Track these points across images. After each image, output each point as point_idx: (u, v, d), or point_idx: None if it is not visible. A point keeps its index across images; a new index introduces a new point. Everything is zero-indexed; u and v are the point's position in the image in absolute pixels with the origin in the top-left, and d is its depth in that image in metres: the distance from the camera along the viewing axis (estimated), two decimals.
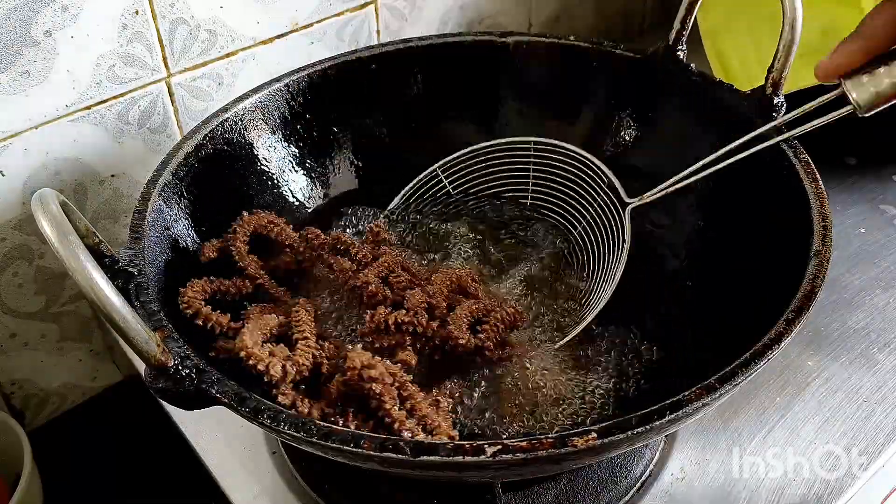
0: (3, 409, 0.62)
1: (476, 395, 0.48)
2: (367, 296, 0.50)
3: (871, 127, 0.78)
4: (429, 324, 0.47)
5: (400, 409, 0.41)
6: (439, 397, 0.46)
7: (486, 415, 0.48)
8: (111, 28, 0.55)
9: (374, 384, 0.41)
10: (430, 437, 0.41)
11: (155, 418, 0.56)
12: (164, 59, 0.59)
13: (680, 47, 0.58)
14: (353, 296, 0.52)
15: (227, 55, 0.63)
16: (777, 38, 0.52)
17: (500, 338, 0.49)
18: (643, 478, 0.51)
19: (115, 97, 0.58)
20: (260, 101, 0.58)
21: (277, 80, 0.59)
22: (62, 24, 0.53)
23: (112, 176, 0.61)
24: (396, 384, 0.42)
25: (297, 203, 0.61)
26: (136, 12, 0.56)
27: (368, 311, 0.48)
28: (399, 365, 0.44)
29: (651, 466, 0.51)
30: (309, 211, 0.62)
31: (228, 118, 0.56)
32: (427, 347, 0.48)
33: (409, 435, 0.40)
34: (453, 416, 0.46)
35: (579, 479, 0.50)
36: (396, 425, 0.40)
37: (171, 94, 0.61)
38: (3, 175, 0.55)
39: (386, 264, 0.52)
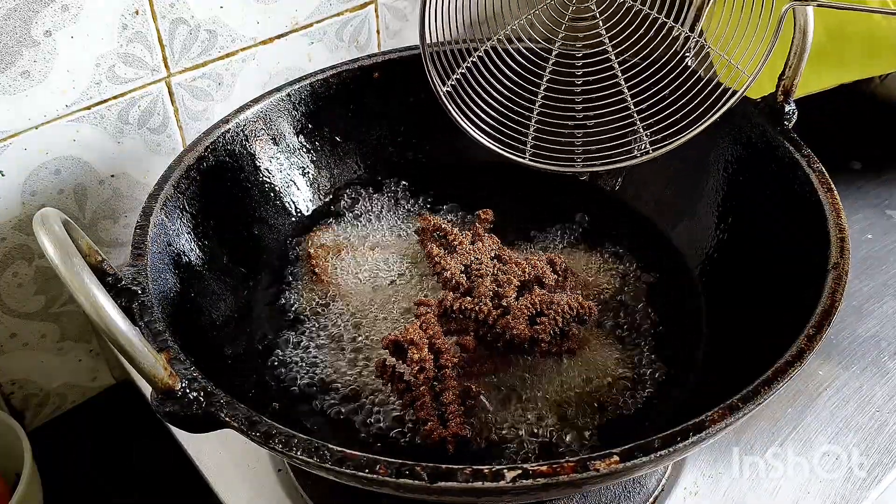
0: (4, 409, 0.61)
1: (508, 391, 0.49)
2: (443, 281, 0.54)
3: (876, 130, 0.79)
4: (490, 312, 0.50)
5: (431, 388, 0.46)
6: (472, 386, 0.48)
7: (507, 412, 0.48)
8: (111, 28, 0.55)
9: (413, 361, 0.46)
10: (441, 428, 0.45)
11: (155, 419, 0.55)
12: (164, 59, 0.59)
13: (688, 54, 0.58)
14: (439, 280, 0.55)
15: (227, 55, 0.62)
16: (783, 44, 0.51)
17: (559, 330, 0.50)
18: (656, 493, 0.50)
19: (115, 97, 0.57)
20: (261, 112, 0.57)
21: (278, 89, 0.58)
22: (62, 24, 0.52)
23: (112, 176, 0.60)
24: (436, 368, 0.47)
25: (299, 214, 0.60)
26: (136, 12, 0.56)
27: (439, 296, 0.53)
28: (457, 348, 0.49)
29: (664, 481, 0.51)
30: (308, 219, 0.61)
31: (230, 129, 0.55)
32: (488, 335, 0.50)
33: (424, 415, 0.45)
34: (480, 408, 0.48)
35: (591, 496, 0.49)
36: (419, 401, 0.46)
37: (171, 94, 0.61)
38: (2, 175, 0.54)
39: (472, 252, 0.55)
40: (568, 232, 0.61)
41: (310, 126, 0.60)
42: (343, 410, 0.48)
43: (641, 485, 0.50)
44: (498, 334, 0.50)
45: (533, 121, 0.59)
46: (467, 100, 0.59)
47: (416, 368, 0.46)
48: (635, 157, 0.57)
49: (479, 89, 0.59)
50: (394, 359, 0.48)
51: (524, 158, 0.59)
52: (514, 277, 0.53)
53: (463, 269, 0.54)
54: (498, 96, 0.59)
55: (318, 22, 0.67)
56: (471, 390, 0.47)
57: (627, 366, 0.51)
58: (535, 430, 0.47)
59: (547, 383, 0.49)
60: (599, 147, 0.58)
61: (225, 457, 0.52)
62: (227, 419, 0.36)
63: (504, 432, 0.47)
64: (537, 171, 0.59)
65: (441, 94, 0.58)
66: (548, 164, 0.59)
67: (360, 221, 0.62)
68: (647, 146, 0.56)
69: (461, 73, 0.58)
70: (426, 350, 0.47)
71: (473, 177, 0.65)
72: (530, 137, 0.59)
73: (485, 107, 0.59)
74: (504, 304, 0.51)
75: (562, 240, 0.60)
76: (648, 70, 0.56)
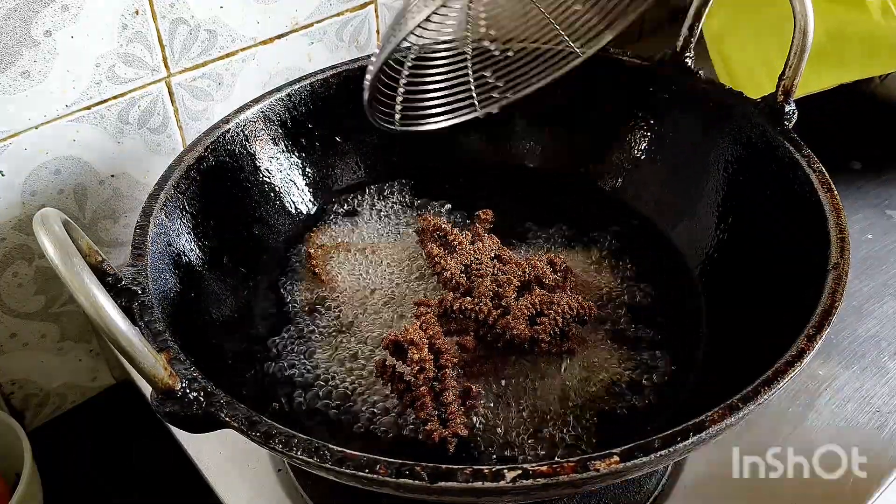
0: (3, 409, 0.61)
1: (508, 391, 0.49)
2: (443, 281, 0.54)
3: (876, 130, 0.79)
4: (490, 312, 0.50)
5: (430, 388, 0.46)
6: (472, 386, 0.48)
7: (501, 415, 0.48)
8: (111, 28, 0.55)
9: (413, 362, 0.46)
10: (441, 429, 0.44)
11: (155, 419, 0.55)
12: (164, 59, 0.59)
13: (688, 54, 0.58)
14: (439, 280, 0.55)
15: (227, 55, 0.62)
16: (782, 44, 0.51)
17: (559, 330, 0.50)
18: (656, 493, 0.50)
19: (115, 97, 0.57)
20: (261, 112, 0.57)
21: (278, 89, 0.58)
22: (62, 24, 0.52)
23: (112, 176, 0.60)
24: (436, 368, 0.47)
25: (299, 214, 0.60)
26: (136, 12, 0.55)
27: (439, 296, 0.53)
28: (457, 348, 0.49)
29: (664, 481, 0.51)
30: (308, 219, 0.61)
31: (230, 129, 0.55)
32: (488, 335, 0.50)
33: (424, 416, 0.45)
34: (480, 408, 0.48)
35: (591, 496, 0.49)
36: (419, 401, 0.45)
37: (171, 94, 0.61)
38: (2, 175, 0.54)
39: (472, 252, 0.55)
40: (567, 232, 0.61)
41: (310, 126, 0.60)
42: (343, 410, 0.48)
43: (641, 485, 0.50)
44: (498, 334, 0.50)
45: (471, 74, 0.58)
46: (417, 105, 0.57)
47: (416, 368, 0.46)
48: (571, 60, 0.57)
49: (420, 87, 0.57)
50: (393, 359, 0.48)
51: (477, 111, 0.59)
52: (514, 277, 0.52)
53: (463, 269, 0.54)
54: (436, 82, 0.58)
55: (318, 22, 0.67)
56: (471, 390, 0.47)
57: (627, 366, 0.51)
58: (535, 431, 0.47)
59: (547, 383, 0.49)
60: (533, 65, 0.58)
61: (225, 457, 0.52)
62: (227, 419, 0.36)
63: (503, 432, 0.47)
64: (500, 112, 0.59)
65: (398, 130, 0.57)
66: (499, 102, 0.59)
67: (360, 221, 0.62)
68: (578, 50, 0.57)
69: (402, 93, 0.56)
70: (426, 350, 0.47)
71: (474, 177, 0.65)
72: (474, 90, 0.59)
73: (433, 95, 0.58)
74: (504, 304, 0.51)
75: (561, 240, 0.60)
76: None
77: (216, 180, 0.54)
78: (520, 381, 0.49)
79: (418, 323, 0.49)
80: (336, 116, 0.62)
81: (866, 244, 0.68)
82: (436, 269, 0.55)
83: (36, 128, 0.54)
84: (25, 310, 0.60)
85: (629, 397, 0.49)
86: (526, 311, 0.50)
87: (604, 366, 0.50)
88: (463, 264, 0.54)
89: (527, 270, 0.53)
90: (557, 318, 0.50)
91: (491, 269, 0.54)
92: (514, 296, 0.51)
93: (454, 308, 0.51)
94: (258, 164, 0.58)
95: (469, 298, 0.51)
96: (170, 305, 0.44)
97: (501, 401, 0.48)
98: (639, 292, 0.56)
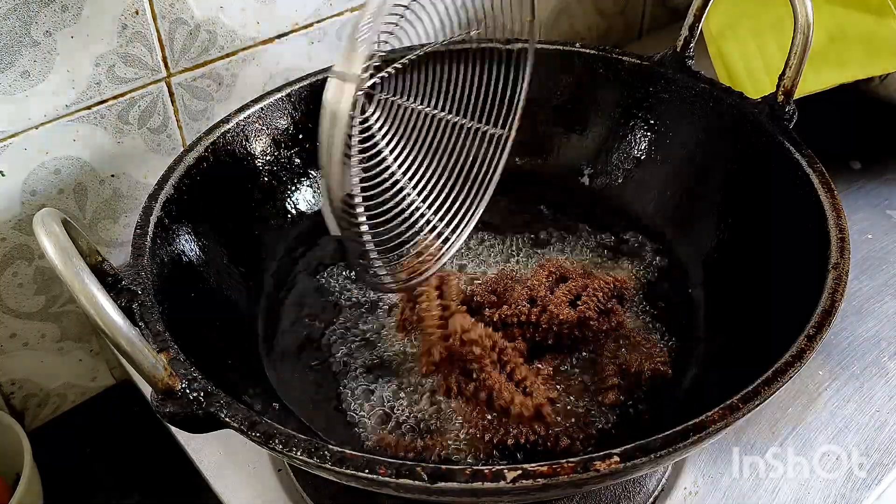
0: (3, 409, 0.61)
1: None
2: (476, 306, 0.52)
3: (876, 130, 0.79)
4: (530, 311, 0.49)
5: (500, 372, 0.44)
6: (539, 364, 0.48)
7: None
8: (111, 28, 0.55)
9: (473, 346, 0.44)
10: (528, 398, 0.43)
11: (155, 419, 0.55)
12: (164, 59, 0.59)
13: (688, 54, 0.58)
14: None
15: (227, 55, 0.62)
16: (782, 44, 0.51)
17: (603, 307, 0.49)
18: (656, 493, 0.50)
19: (115, 97, 0.57)
20: (262, 112, 0.57)
21: (279, 89, 0.58)
22: (62, 24, 0.52)
23: (112, 176, 0.60)
24: (497, 348, 0.45)
25: (300, 215, 0.60)
26: (136, 12, 0.55)
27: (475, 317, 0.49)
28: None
29: (664, 481, 0.51)
30: (309, 219, 0.61)
31: (230, 129, 0.55)
32: (536, 335, 0.49)
33: (508, 396, 0.43)
34: (554, 382, 0.48)
35: (591, 496, 0.49)
36: (496, 386, 0.44)
37: (171, 94, 0.61)
38: (3, 175, 0.54)
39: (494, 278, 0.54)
40: (568, 233, 0.61)
41: (310, 126, 0.60)
42: (341, 410, 0.48)
43: (641, 485, 0.50)
44: (545, 331, 0.49)
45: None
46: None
47: (478, 352, 0.44)
48: None
49: None
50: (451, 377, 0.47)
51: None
52: (543, 277, 0.52)
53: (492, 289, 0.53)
54: None
55: (318, 22, 0.67)
56: (539, 369, 0.47)
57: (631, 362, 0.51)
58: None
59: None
60: None
61: (225, 457, 0.52)
62: (227, 419, 0.36)
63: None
64: None
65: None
66: None
67: None
68: None
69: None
70: (480, 326, 0.45)
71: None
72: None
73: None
74: (540, 302, 0.50)
75: (563, 242, 0.60)
76: None
77: (216, 180, 0.54)
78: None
79: (458, 316, 0.47)
80: None
81: (866, 244, 0.68)
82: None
83: (36, 128, 0.54)
84: (25, 310, 0.60)
85: (630, 396, 0.48)
86: (565, 297, 0.49)
87: (595, 370, 0.50)
88: (493, 285, 0.53)
89: (552, 271, 0.53)
90: (597, 293, 0.49)
91: (516, 282, 0.53)
92: (546, 294, 0.51)
93: (495, 321, 0.50)
94: (258, 165, 0.57)
95: (506, 307, 0.50)
96: (170, 305, 0.44)
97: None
98: (638, 292, 0.56)
